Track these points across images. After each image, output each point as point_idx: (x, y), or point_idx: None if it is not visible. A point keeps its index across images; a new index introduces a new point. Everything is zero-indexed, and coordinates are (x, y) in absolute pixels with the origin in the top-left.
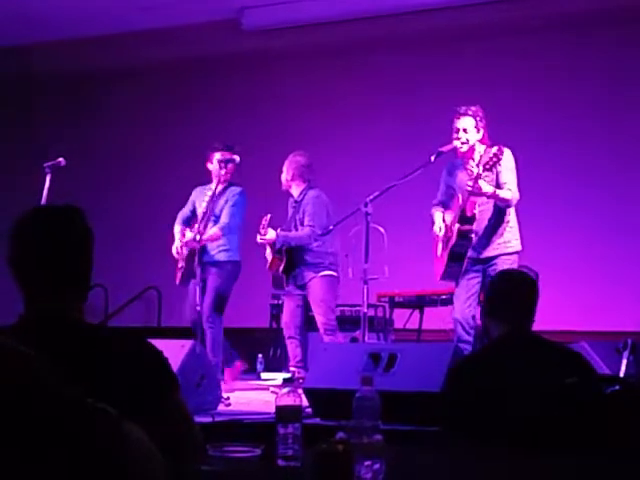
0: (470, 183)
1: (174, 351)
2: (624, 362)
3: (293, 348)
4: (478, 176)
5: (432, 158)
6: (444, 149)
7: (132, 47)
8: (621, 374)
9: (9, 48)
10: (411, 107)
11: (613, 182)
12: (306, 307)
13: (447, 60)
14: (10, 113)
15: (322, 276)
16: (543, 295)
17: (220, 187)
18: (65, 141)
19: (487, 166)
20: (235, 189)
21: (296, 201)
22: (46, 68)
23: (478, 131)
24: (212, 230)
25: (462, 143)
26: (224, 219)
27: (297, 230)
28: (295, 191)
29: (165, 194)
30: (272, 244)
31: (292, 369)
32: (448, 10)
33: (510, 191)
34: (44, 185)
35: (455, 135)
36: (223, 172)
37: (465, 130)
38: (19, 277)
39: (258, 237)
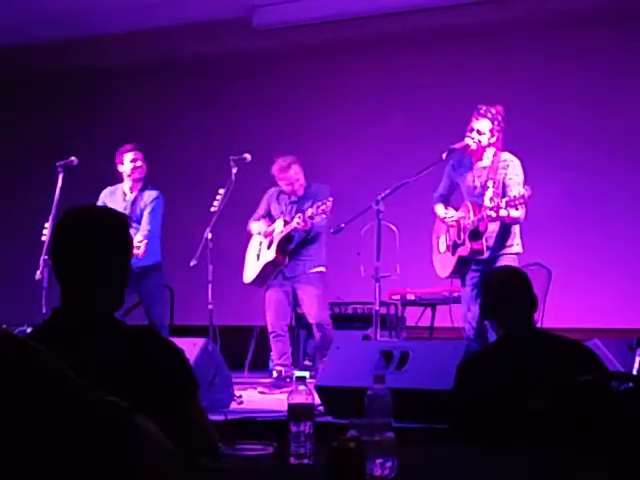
0: (493, 214)
1: (187, 349)
2: (637, 359)
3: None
4: (497, 206)
5: (444, 155)
6: (456, 146)
7: (141, 45)
8: (634, 371)
9: (15, 46)
10: (422, 104)
11: (627, 179)
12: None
13: (459, 58)
14: (16, 112)
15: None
16: (556, 292)
17: (136, 190)
18: (75, 139)
19: (511, 204)
20: (152, 193)
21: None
22: (53, 65)
23: (492, 135)
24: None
25: (474, 143)
26: (146, 225)
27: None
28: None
29: (174, 192)
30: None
31: (279, 368)
32: (461, 8)
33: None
34: (56, 184)
35: (469, 134)
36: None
37: (479, 132)
38: (58, 272)
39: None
